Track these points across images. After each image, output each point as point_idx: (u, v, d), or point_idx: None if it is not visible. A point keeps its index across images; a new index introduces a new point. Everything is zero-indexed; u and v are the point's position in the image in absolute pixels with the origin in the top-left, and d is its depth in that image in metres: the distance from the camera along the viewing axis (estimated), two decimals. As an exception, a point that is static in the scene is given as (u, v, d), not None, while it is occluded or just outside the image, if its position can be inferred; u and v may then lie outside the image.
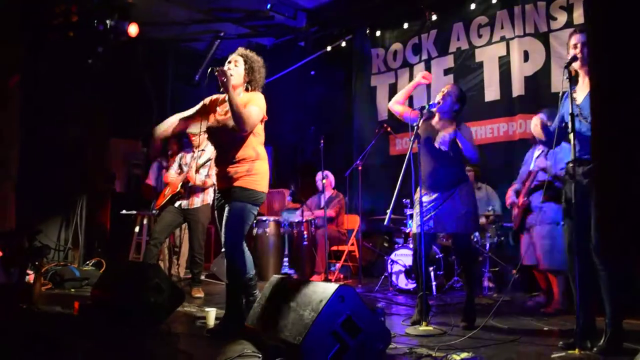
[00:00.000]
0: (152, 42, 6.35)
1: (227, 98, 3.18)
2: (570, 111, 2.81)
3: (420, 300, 3.64)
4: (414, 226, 3.86)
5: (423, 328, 3.45)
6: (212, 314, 3.50)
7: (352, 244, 6.57)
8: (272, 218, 6.54)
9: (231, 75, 3.26)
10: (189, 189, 5.09)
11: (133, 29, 5.75)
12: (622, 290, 2.94)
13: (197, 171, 5.08)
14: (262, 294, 2.75)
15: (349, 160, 7.06)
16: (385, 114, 7.51)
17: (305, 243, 6.27)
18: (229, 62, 3.41)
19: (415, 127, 3.67)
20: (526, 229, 4.45)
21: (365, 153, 5.92)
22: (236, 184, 3.28)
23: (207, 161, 5.12)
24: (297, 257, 6.39)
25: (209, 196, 5.19)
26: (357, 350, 2.31)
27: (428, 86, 7.02)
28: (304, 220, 6.33)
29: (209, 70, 3.17)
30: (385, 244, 7.01)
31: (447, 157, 3.73)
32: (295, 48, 7.84)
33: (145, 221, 6.20)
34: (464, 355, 2.59)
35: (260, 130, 3.41)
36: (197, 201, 5.10)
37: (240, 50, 3.48)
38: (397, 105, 4.01)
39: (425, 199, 3.75)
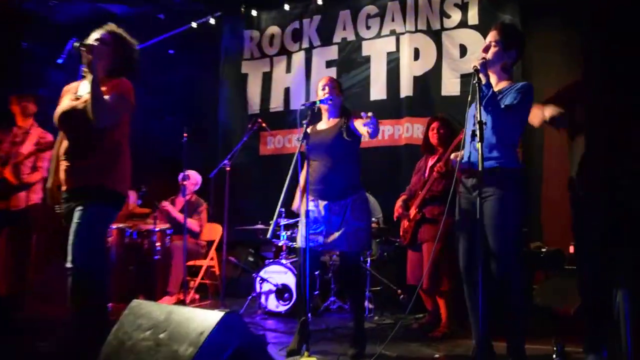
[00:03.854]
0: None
1: (89, 80, 3.02)
2: (478, 118, 2.96)
3: (301, 325, 3.62)
4: (298, 239, 3.84)
5: (305, 359, 3.44)
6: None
7: (212, 259, 6.41)
8: (114, 225, 6.14)
9: (99, 53, 3.12)
10: (9, 186, 4.62)
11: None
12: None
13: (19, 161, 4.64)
14: (118, 323, 2.53)
15: (214, 158, 6.89)
16: (257, 107, 7.47)
17: (157, 257, 5.95)
18: (97, 40, 3.22)
19: (305, 125, 3.64)
20: (416, 245, 4.62)
21: (234, 151, 5.80)
22: (94, 182, 3.08)
23: (37, 151, 4.68)
24: (146, 273, 6.04)
25: (36, 194, 4.75)
26: (245, 389, 2.21)
27: (308, 78, 7.12)
28: (156, 229, 6.01)
29: (73, 45, 3.01)
30: (251, 259, 6.93)
31: (341, 161, 3.77)
32: (153, 21, 7.46)
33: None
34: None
35: (124, 122, 3.28)
36: (21, 201, 4.64)
37: (112, 26, 3.36)
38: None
39: (312, 208, 3.74)
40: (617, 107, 3.06)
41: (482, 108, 2.99)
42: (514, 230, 3.22)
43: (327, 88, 3.92)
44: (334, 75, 6.81)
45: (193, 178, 6.38)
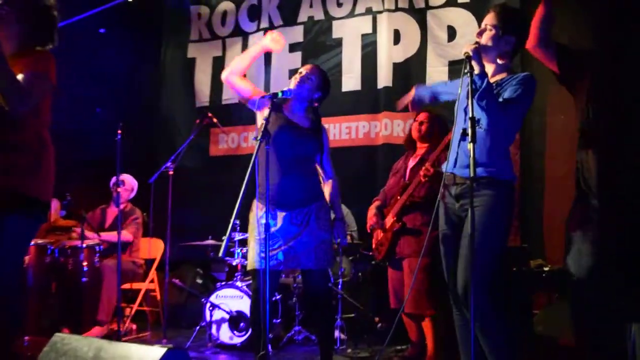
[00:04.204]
0: None
1: None
2: (470, 114, 2.98)
3: (260, 361, 3.61)
4: (251, 259, 3.81)
5: (264, 401, 3.43)
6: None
7: (152, 281, 6.38)
8: (32, 241, 6.04)
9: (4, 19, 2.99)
10: None
11: None
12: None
13: None
14: (37, 360, 2.49)
15: (154, 159, 6.84)
16: (207, 98, 7.47)
17: (84, 279, 5.87)
18: (5, 3, 3.06)
19: (264, 122, 3.63)
20: (395, 261, 4.63)
21: (179, 152, 5.78)
22: (10, 184, 2.94)
23: None
24: (71, 299, 5.96)
25: None
26: None
27: (267, 64, 7.11)
28: (84, 245, 5.93)
29: None
30: (199, 281, 6.89)
31: (303, 165, 3.82)
32: (80, -8, 7.41)
33: None
34: None
35: (45, 107, 3.12)
36: None
37: None
38: (237, 78, 3.94)
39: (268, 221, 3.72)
40: (618, 101, 3.16)
41: (475, 103, 3.00)
42: (496, 253, 3.23)
43: (303, 72, 3.91)
44: (299, 62, 6.84)
45: (128, 184, 6.32)
